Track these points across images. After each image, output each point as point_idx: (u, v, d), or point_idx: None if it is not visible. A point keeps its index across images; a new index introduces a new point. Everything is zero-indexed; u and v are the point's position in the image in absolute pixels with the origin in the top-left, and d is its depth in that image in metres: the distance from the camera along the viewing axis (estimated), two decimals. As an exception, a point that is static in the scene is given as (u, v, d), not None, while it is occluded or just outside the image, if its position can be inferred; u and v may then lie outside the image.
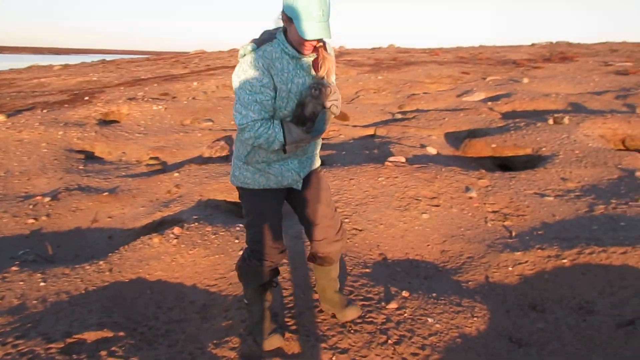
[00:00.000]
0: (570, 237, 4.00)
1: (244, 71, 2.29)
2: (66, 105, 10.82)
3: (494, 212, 4.71)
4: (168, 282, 3.73)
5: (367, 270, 3.66)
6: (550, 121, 7.77)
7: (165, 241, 4.15)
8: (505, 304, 3.34)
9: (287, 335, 2.83)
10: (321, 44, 2.39)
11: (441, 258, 4.00)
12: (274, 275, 2.82)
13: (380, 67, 18.91)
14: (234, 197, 5.54)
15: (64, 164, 7.11)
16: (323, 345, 2.75)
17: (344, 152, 6.94)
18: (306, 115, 2.39)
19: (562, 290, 3.41)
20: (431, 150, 7.00)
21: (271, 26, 2.46)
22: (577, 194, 4.99)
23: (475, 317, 3.06)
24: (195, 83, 13.25)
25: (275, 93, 2.33)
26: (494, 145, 7.02)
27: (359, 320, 2.97)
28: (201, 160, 7.12)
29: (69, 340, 2.92)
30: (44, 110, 10.17)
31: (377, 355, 2.69)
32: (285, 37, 2.33)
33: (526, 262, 3.74)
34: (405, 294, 3.28)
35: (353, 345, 2.76)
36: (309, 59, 2.39)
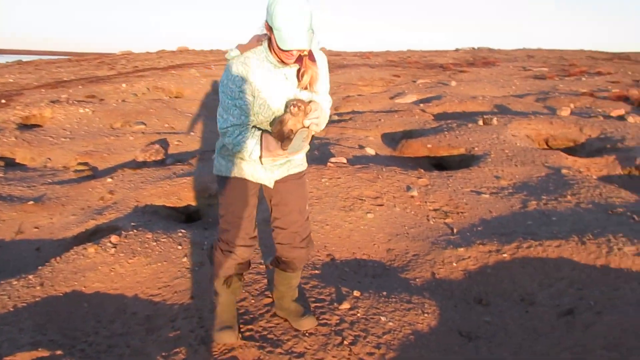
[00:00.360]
0: (507, 232, 4.18)
1: (227, 76, 2.30)
2: (-21, 108, 10.00)
3: (435, 210, 4.84)
4: (107, 293, 3.52)
5: (317, 271, 3.63)
6: (480, 122, 8.11)
7: (102, 250, 3.91)
8: (452, 299, 3.42)
9: (241, 342, 2.74)
10: (306, 53, 2.33)
11: (388, 257, 4.05)
12: (243, 269, 2.77)
13: (313, 70, 18.98)
14: (172, 202, 5.35)
15: (-20, 171, 6.54)
16: (278, 350, 2.69)
17: (284, 154, 6.87)
18: (284, 132, 2.34)
19: (504, 283, 3.55)
20: (370, 151, 7.10)
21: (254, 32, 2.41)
22: (510, 191, 5.23)
23: (426, 313, 3.11)
24: (124, 85, 12.68)
25: (254, 99, 2.34)
26: (429, 146, 7.23)
27: (313, 323, 2.93)
28: (135, 165, 6.80)
29: (-1, 362, 2.67)
30: (-46, 113, 9.35)
31: (333, 357, 2.66)
32: (269, 44, 2.30)
33: (469, 257, 3.86)
34: (356, 293, 3.28)
35: (309, 349, 2.71)
36: (293, 68, 2.36)
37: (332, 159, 5.98)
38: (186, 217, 5.38)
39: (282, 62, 2.31)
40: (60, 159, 7.43)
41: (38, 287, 3.50)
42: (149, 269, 3.74)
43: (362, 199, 4.88)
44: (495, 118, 8.17)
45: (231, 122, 2.32)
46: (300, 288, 3.29)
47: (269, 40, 2.28)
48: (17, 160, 7.54)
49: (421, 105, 11.10)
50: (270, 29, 2.20)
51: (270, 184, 2.61)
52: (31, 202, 5.28)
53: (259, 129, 2.42)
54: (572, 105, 10.04)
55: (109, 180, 5.82)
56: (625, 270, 3.36)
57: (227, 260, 2.67)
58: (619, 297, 3.07)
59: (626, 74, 16.83)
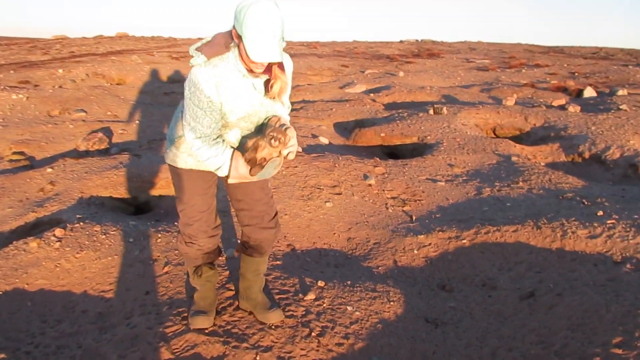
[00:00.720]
0: (465, 218, 4.23)
1: (194, 84, 2.15)
2: None
3: (392, 198, 4.83)
4: (53, 291, 3.26)
5: (278, 262, 3.53)
6: (431, 111, 8.22)
7: (45, 245, 3.63)
8: (415, 286, 3.41)
9: (204, 338, 2.60)
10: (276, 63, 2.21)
11: (348, 245, 4.00)
12: (212, 258, 2.71)
13: (261, 58, 18.70)
14: (120, 192, 5.07)
15: None
16: (244, 345, 2.57)
17: (236, 143, 6.69)
18: (257, 159, 2.24)
19: (465, 269, 3.58)
20: (323, 140, 7.03)
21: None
22: (464, 178, 5.31)
23: (392, 301, 3.08)
24: (60, 70, 11.97)
25: (221, 106, 2.23)
26: (383, 135, 7.25)
27: (279, 315, 2.83)
28: (77, 154, 6.41)
29: None
30: None
31: (302, 349, 2.58)
32: (239, 52, 2.15)
33: (429, 244, 3.87)
34: (321, 283, 3.20)
35: (276, 342, 2.61)
36: (262, 77, 2.25)
37: (287, 148, 5.86)
38: (135, 208, 5.12)
39: (251, 71, 2.19)
40: (-8, 149, 6.90)
41: (-27, 287, 3.20)
42: (98, 264, 3.51)
43: (320, 188, 4.81)
44: (445, 107, 8.31)
45: (201, 132, 2.22)
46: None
47: (238, 47, 2.14)
48: (-58, 150, 6.93)
49: (371, 94, 11.15)
50: (239, 37, 2.06)
51: (223, 173, 2.45)
52: (-39, 195, 4.86)
53: (233, 146, 2.34)
54: (515, 96, 10.37)
55: (49, 170, 5.44)
56: (580, 253, 3.46)
57: (192, 252, 2.59)
58: (576, 278, 3.16)
59: (562, 66, 17.63)
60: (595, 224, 3.71)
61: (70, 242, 3.69)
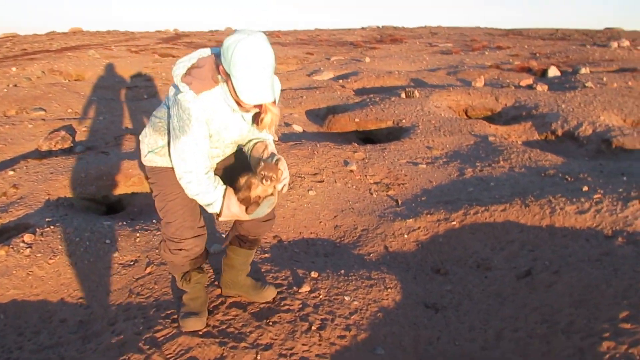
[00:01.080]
0: (451, 200, 4.18)
1: (185, 119, 2.05)
2: None
3: (375, 183, 4.74)
4: (27, 301, 3.03)
5: (267, 255, 3.39)
6: (403, 95, 8.17)
7: (14, 252, 3.38)
8: (410, 271, 3.33)
9: (199, 340, 2.45)
10: None
11: (336, 234, 3.89)
12: (199, 263, 2.54)
13: (223, 49, 18.31)
14: (90, 192, 4.80)
15: None
16: (242, 344, 2.43)
17: (208, 135, 6.46)
18: (251, 198, 2.19)
19: (457, 251, 3.52)
20: (297, 128, 6.88)
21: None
22: (444, 160, 5.26)
23: (389, 288, 2.99)
24: (13, 69, 11.36)
25: (211, 137, 2.18)
26: (357, 120, 7.15)
27: (275, 309, 2.70)
28: (39, 155, 6.05)
29: None
30: None
31: (303, 345, 2.45)
32: (227, 88, 2.05)
33: (419, 228, 3.80)
34: (314, 274, 3.08)
35: (276, 339, 2.48)
36: (252, 111, 2.16)
37: (263, 137, 5.69)
38: (107, 208, 4.87)
39: (241, 106, 2.09)
40: (-55, 153, 6.46)
41: (-63, 301, 2.94)
42: (74, 269, 3.29)
43: (301, 176, 4.67)
44: (417, 91, 8.27)
45: (191, 167, 2.12)
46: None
47: (226, 83, 2.04)
48: None
49: (340, 81, 11.03)
50: (227, 75, 1.96)
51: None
52: None
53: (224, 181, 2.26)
54: (483, 77, 10.44)
55: (11, 172, 5.11)
56: (570, 229, 3.45)
57: (178, 259, 2.41)
58: (570, 255, 3.14)
59: (523, 47, 17.91)
60: (582, 199, 3.70)
61: (41, 248, 3.45)
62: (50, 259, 3.34)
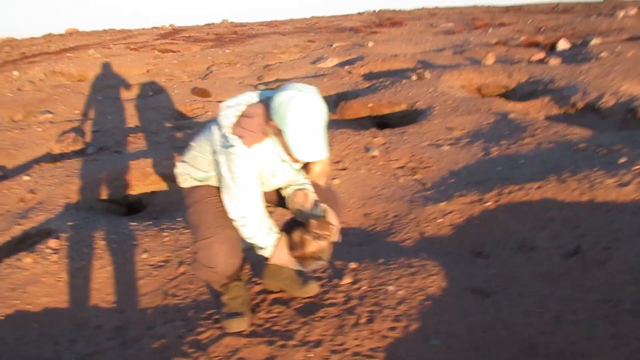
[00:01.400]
0: (482, 180, 4.05)
1: (234, 171, 2.08)
2: None
3: (400, 167, 4.62)
4: (59, 308, 2.94)
5: (300, 248, 3.27)
6: (414, 77, 8.01)
7: (41, 259, 3.29)
8: (449, 256, 3.22)
9: (245, 340, 2.35)
10: None
11: (367, 222, 3.78)
12: (239, 274, 2.47)
13: (223, 42, 18.14)
14: (108, 193, 4.70)
15: None
16: (291, 342, 2.33)
17: (221, 129, 6.34)
18: (307, 254, 2.24)
19: (496, 232, 3.40)
20: (310, 117, 6.74)
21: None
22: (467, 140, 5.13)
23: (432, 275, 2.87)
24: (15, 72, 11.24)
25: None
26: (370, 105, 7.00)
27: (319, 304, 2.60)
28: (51, 158, 5.96)
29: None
30: None
31: (354, 339, 2.35)
32: (278, 141, 2.09)
33: (452, 211, 3.68)
34: (353, 265, 2.98)
35: (325, 335, 2.38)
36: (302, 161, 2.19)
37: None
38: (127, 208, 4.77)
39: (291, 159, 2.15)
40: (-45, 161, 6.36)
41: (-32, 314, 2.85)
42: (104, 273, 3.20)
43: (323, 165, 4.54)
44: (428, 72, 8.10)
45: (246, 213, 2.15)
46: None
47: (277, 136, 2.07)
48: None
49: (346, 67, 10.86)
50: (279, 130, 1.99)
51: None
52: None
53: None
54: (493, 55, 10.23)
55: (26, 178, 5.01)
56: (613, 203, 3.32)
57: (214, 276, 2.31)
58: (618, 229, 3.01)
59: (526, 22, 17.64)
60: (622, 172, 3.57)
61: (68, 253, 3.35)
62: (78, 263, 3.25)
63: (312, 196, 2.36)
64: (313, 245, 2.21)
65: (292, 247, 2.25)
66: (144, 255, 3.30)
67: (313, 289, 2.68)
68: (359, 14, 34.97)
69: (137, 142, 6.11)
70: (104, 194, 4.65)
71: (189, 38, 20.08)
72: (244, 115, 2.10)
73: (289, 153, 2.07)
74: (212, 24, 31.97)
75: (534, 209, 3.50)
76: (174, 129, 6.81)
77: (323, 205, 2.32)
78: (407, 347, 2.31)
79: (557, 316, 2.47)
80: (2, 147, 6.47)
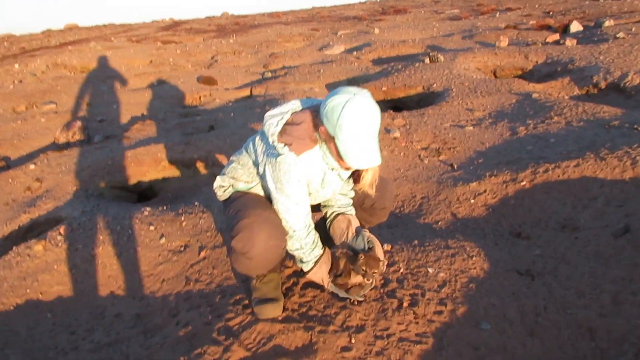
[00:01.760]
0: (512, 160, 3.85)
1: (283, 182, 1.97)
2: None
3: (423, 149, 4.42)
4: (73, 297, 2.77)
5: (327, 231, 3.08)
6: (427, 60, 7.79)
7: (52, 246, 3.11)
8: (487, 237, 3.03)
9: (280, 326, 2.16)
10: None
11: (394, 204, 3.58)
12: (277, 268, 2.42)
13: (226, 32, 17.89)
14: (118, 180, 4.51)
15: None
16: (332, 328, 2.14)
17: (232, 114, 6.15)
18: (351, 284, 2.20)
19: (534, 212, 3.21)
20: (322, 102, 6.54)
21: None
22: (490, 120, 4.92)
23: (472, 256, 2.68)
24: (16, 65, 11.04)
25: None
26: (384, 88, 6.79)
27: (356, 289, 2.41)
28: (57, 148, 5.77)
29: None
30: None
31: (399, 324, 2.16)
32: (328, 148, 1.97)
33: (485, 191, 3.49)
34: (386, 247, 2.79)
35: (366, 319, 2.19)
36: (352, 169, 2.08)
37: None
38: (138, 195, 4.58)
39: (342, 167, 2.02)
40: (-41, 153, 6.17)
41: (-22, 305, 2.67)
42: (120, 259, 3.01)
43: (343, 147, 4.35)
44: (441, 55, 7.88)
45: (293, 225, 2.06)
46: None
47: (325, 141, 1.95)
48: None
49: (354, 53, 10.64)
50: (330, 136, 1.86)
51: None
52: (-64, 204, 4.22)
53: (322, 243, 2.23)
54: (506, 37, 9.99)
55: (32, 167, 4.82)
56: (659, 179, 3.12)
57: (253, 264, 2.10)
58: (670, 206, 2.82)
59: (534, 7, 17.35)
60: (665, 147, 3.37)
61: (81, 240, 3.17)
62: (93, 250, 3.07)
63: (355, 222, 2.28)
64: (358, 279, 2.15)
65: (335, 272, 2.18)
66: (162, 241, 3.11)
67: None
68: (360, 2, 34.64)
69: (145, 130, 5.91)
70: (114, 181, 4.46)
71: (190, 30, 19.83)
72: (290, 123, 1.98)
73: (339, 160, 1.94)
74: (213, 16, 31.68)
75: (573, 188, 3.31)
76: (182, 116, 6.62)
77: (370, 236, 2.21)
78: (456, 332, 2.12)
79: (615, 298, 2.28)
80: (5, 138, 6.28)
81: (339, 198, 2.30)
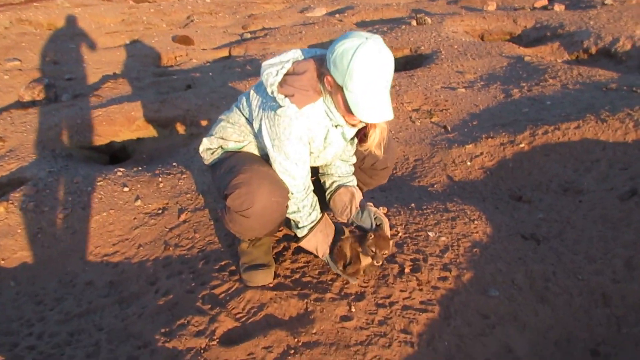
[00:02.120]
0: (508, 122, 3.68)
1: (282, 139, 1.75)
2: None
3: (414, 110, 4.22)
4: (39, 264, 2.52)
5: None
6: (414, 23, 7.52)
7: (15, 208, 2.82)
8: (486, 200, 2.87)
9: (272, 294, 1.96)
10: None
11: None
12: (275, 231, 2.18)
13: (202, -7, 17.15)
14: (89, 140, 4.19)
15: None
16: (329, 295, 1.96)
17: (210, 74, 5.82)
18: (362, 268, 1.97)
19: (534, 175, 3.06)
20: (306, 63, 6.24)
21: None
22: (482, 83, 4.73)
23: (474, 220, 2.52)
24: (-25, 19, 10.34)
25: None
26: (370, 50, 6.52)
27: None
28: (21, 106, 5.37)
29: None
30: None
31: (402, 291, 1.99)
32: (334, 101, 1.75)
33: (481, 153, 3.32)
34: (382, 210, 2.60)
35: (366, 286, 2.01)
36: (358, 125, 1.85)
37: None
38: (110, 157, 4.28)
39: (348, 123, 1.80)
40: None
41: None
42: (91, 223, 2.75)
43: (331, 107, 4.11)
44: (428, 17, 7.62)
45: (291, 189, 1.86)
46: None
47: (331, 94, 1.73)
48: None
49: (337, 15, 10.28)
50: (338, 86, 1.65)
51: None
52: None
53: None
54: (492, 1, 9.73)
55: (-6, 124, 4.46)
56: (664, 142, 3.00)
57: (251, 224, 1.87)
58: (677, 168, 2.69)
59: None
60: (669, 109, 3.24)
61: (47, 201, 2.89)
62: (61, 213, 2.80)
63: (358, 195, 2.06)
64: (367, 261, 1.94)
65: (344, 261, 1.95)
66: (137, 203, 2.86)
67: None
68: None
69: (117, 88, 5.55)
70: (84, 141, 4.15)
71: (164, -11, 18.96)
72: (291, 73, 1.75)
73: (347, 114, 1.73)
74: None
75: (574, 150, 3.16)
76: (157, 75, 6.25)
77: (377, 212, 1.99)
78: (463, 300, 1.96)
79: (628, 263, 2.15)
80: (-35, 95, 5.83)
81: (339, 165, 2.06)
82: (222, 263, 2.24)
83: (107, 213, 2.82)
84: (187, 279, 2.17)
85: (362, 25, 9.27)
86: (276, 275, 2.09)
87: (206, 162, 2.10)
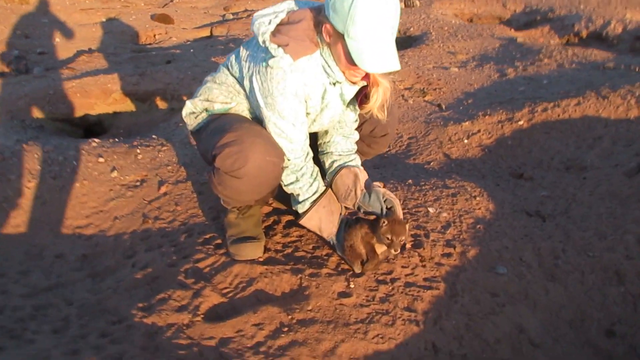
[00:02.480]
0: (505, 100, 3.55)
1: (275, 95, 1.57)
2: None
3: (407, 89, 4.06)
4: (4, 234, 2.29)
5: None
6: (402, 5, 7.35)
7: (-22, 176, 2.58)
8: (486, 178, 2.73)
9: (262, 269, 1.78)
10: None
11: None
12: (268, 198, 2.05)
13: (182, -26, 16.71)
14: (62, 112, 3.93)
15: None
16: (325, 271, 1.78)
17: (192, 50, 5.57)
18: (380, 260, 1.78)
19: (535, 152, 2.94)
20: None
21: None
22: (475, 63, 4.60)
23: (475, 196, 2.38)
24: (-58, -9, 9.82)
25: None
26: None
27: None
28: (-15, 76, 5.05)
29: None
30: None
31: (403, 267, 1.83)
32: (332, 52, 1.58)
33: (479, 131, 3.18)
34: (379, 184, 2.43)
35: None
36: (359, 84, 1.68)
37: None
38: (85, 131, 4.03)
39: (348, 79, 1.63)
40: None
41: None
42: (62, 193, 2.53)
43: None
44: (417, 0, 7.47)
45: (296, 150, 1.68)
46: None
47: (329, 45, 1.57)
48: None
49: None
50: (338, 34, 1.49)
51: None
52: None
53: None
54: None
55: (-42, 94, 4.15)
56: (668, 119, 2.89)
57: (243, 186, 1.68)
58: (684, 145, 2.59)
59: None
60: (671, 87, 3.14)
61: (14, 170, 2.65)
62: (29, 182, 2.57)
63: (363, 176, 1.86)
64: (383, 250, 1.75)
65: (362, 258, 1.76)
66: (114, 174, 2.64)
67: None
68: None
69: (93, 62, 5.27)
70: (57, 113, 3.89)
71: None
72: (286, 23, 1.56)
73: (349, 66, 1.54)
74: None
75: (575, 127, 3.04)
76: (136, 52, 5.97)
77: (386, 192, 1.79)
78: (470, 277, 1.81)
79: (642, 239, 2.02)
80: None
81: (339, 141, 1.86)
82: (207, 236, 2.05)
83: (80, 184, 2.59)
84: (168, 253, 1.98)
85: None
86: (266, 250, 1.91)
87: (190, 128, 1.90)
